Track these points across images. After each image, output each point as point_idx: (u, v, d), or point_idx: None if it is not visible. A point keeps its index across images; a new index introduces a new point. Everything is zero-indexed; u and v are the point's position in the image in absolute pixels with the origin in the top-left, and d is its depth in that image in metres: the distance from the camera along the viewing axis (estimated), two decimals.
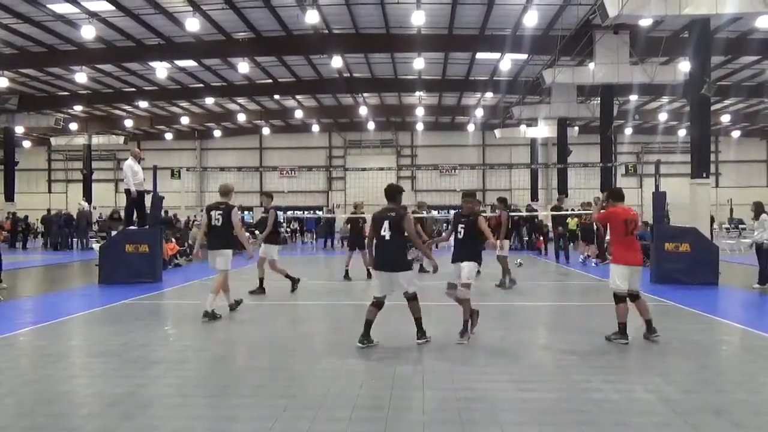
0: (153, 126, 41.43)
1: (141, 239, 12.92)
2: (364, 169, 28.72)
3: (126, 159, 14.07)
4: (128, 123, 38.92)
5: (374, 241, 6.95)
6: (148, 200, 13.81)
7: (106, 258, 12.93)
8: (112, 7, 19.73)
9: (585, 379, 5.52)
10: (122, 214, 16.81)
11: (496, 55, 25.46)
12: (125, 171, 13.50)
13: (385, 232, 6.72)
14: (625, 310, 6.90)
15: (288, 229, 35.69)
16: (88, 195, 36.34)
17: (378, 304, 6.73)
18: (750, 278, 12.81)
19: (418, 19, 20.56)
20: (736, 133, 42.35)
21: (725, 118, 37.90)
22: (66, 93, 31.70)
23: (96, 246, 17.26)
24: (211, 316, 8.37)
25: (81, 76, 26.36)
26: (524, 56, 25.67)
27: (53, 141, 41.10)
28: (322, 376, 5.66)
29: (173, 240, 18.13)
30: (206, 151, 46.95)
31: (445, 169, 38.12)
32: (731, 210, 40.63)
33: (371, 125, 40.53)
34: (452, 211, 7.79)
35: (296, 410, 4.66)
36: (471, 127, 41.84)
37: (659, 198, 13.46)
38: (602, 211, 7.68)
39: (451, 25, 22.35)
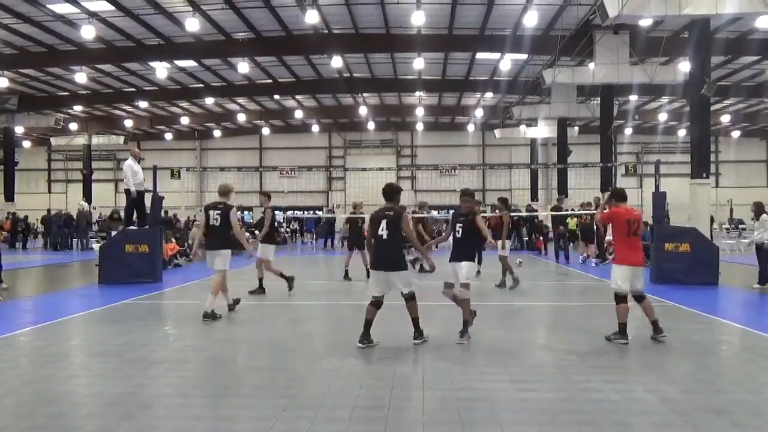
0: (153, 126, 41.46)
1: (141, 239, 12.92)
2: (364, 169, 28.69)
3: (126, 159, 14.06)
4: (128, 123, 38.95)
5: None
6: (148, 200, 13.80)
7: (106, 258, 12.93)
8: (112, 7, 19.74)
9: (585, 379, 5.52)
10: (122, 214, 16.81)
11: (496, 55, 25.47)
12: (125, 171, 13.49)
13: (383, 232, 6.71)
14: (626, 311, 6.89)
15: (288, 229, 35.71)
16: (88, 195, 36.35)
17: (377, 303, 6.73)
18: (750, 278, 12.81)
19: (418, 19, 20.57)
20: (736, 133, 42.39)
21: (725, 118, 37.93)
22: (66, 93, 31.72)
23: (96, 246, 17.26)
24: (212, 316, 8.37)
25: (81, 76, 26.38)
26: (524, 56, 25.68)
27: (53, 141, 41.12)
28: (322, 376, 5.66)
29: (173, 240, 18.13)
30: (206, 151, 46.97)
31: (445, 169, 38.13)
32: (731, 210, 40.64)
33: (371, 125, 40.55)
34: (452, 211, 7.74)
35: (296, 410, 4.66)
36: (471, 127, 41.87)
37: (659, 198, 13.45)
38: (605, 211, 7.65)
39: (451, 25, 22.36)
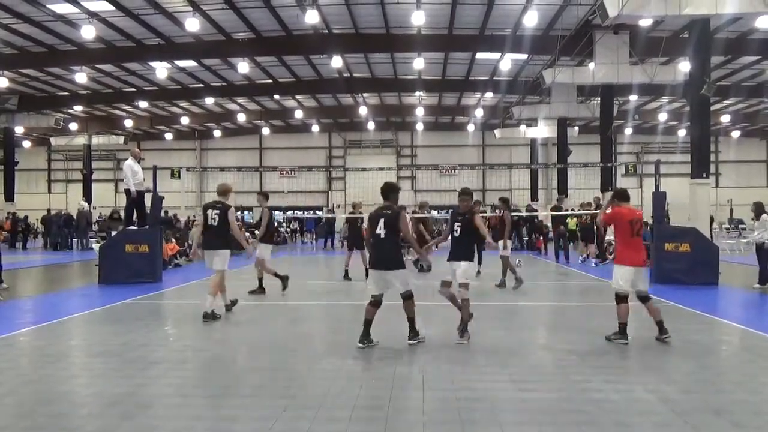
0: (153, 126, 41.47)
1: (141, 239, 12.91)
2: (364, 169, 28.70)
3: (126, 159, 14.06)
4: (128, 123, 38.95)
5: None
6: (148, 200, 13.80)
7: (106, 258, 12.92)
8: (112, 7, 19.75)
9: (585, 379, 5.52)
10: (122, 214, 16.81)
11: (496, 55, 25.47)
12: (125, 171, 13.49)
13: (380, 231, 6.70)
14: (626, 311, 6.88)
15: (288, 229, 35.70)
16: (88, 195, 36.35)
17: (375, 303, 6.72)
18: (750, 278, 12.82)
19: (418, 19, 20.57)
20: (736, 133, 42.39)
21: (725, 118, 37.94)
22: (66, 93, 31.72)
23: (96, 246, 17.26)
24: (211, 316, 8.36)
25: (81, 76, 26.39)
26: (524, 56, 25.68)
27: (53, 141, 41.12)
28: (322, 376, 5.66)
29: (173, 240, 18.14)
30: (206, 151, 46.97)
31: (445, 169, 38.09)
32: (731, 210, 40.65)
33: (371, 125, 40.56)
34: (451, 211, 7.69)
35: (296, 410, 4.66)
36: (471, 127, 41.88)
37: (659, 198, 13.45)
38: (607, 212, 7.59)
39: (451, 25, 22.36)
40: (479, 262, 13.82)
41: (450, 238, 7.51)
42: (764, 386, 5.46)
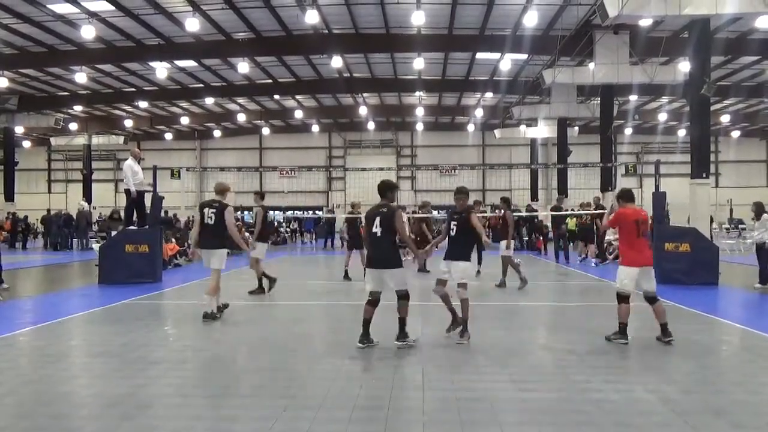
0: (153, 126, 41.47)
1: (141, 239, 12.91)
2: (364, 169, 28.66)
3: (126, 159, 14.06)
4: (128, 123, 38.94)
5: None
6: (148, 200, 13.80)
7: (106, 258, 12.93)
8: (112, 7, 19.74)
9: (585, 379, 5.51)
10: (122, 214, 16.80)
11: (496, 55, 25.47)
12: (125, 171, 13.48)
13: (377, 229, 6.67)
14: (627, 311, 6.87)
15: (288, 229, 35.68)
16: (88, 195, 36.33)
17: (373, 302, 6.68)
18: (750, 278, 12.82)
19: (418, 19, 20.57)
20: (735, 133, 42.39)
21: (725, 118, 37.93)
22: (66, 93, 31.72)
23: (96, 246, 17.26)
24: (211, 316, 8.35)
25: (81, 76, 26.39)
26: (524, 56, 25.68)
27: (53, 141, 41.11)
28: (322, 376, 5.66)
29: (173, 240, 18.13)
30: (206, 151, 46.97)
31: (445, 169, 38.09)
32: (731, 210, 40.64)
33: (371, 125, 40.55)
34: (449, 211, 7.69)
35: (296, 410, 4.66)
36: (471, 127, 41.86)
37: (659, 198, 13.46)
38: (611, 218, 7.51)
39: (451, 25, 22.36)
40: (479, 262, 13.83)
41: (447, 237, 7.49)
42: (764, 387, 5.46)
